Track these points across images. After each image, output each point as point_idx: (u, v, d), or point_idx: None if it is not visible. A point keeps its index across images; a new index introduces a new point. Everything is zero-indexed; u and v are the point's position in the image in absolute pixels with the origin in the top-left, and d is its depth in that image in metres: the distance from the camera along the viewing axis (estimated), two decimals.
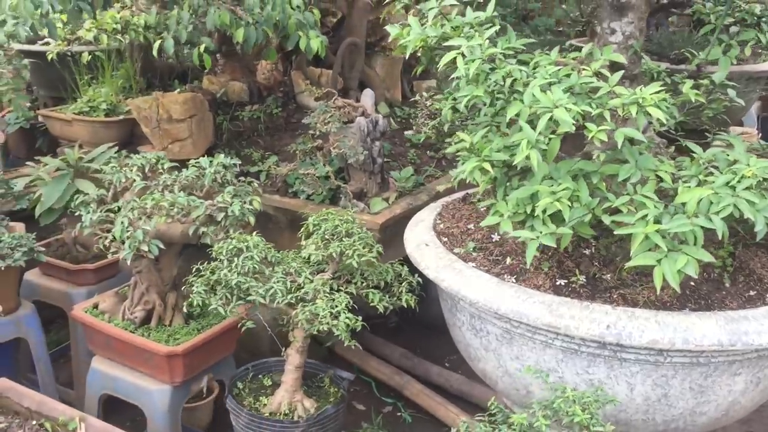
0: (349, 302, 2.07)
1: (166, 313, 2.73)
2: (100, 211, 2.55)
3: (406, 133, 3.53)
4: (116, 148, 3.35)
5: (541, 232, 1.73)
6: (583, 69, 1.81)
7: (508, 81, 1.74)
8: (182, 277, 2.61)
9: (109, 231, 2.53)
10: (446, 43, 1.85)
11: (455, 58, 1.75)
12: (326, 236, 2.20)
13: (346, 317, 2.02)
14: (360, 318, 2.08)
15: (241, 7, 2.77)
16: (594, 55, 1.90)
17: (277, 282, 2.13)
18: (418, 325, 3.94)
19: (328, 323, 2.01)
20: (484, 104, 2.20)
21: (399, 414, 3.41)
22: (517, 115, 1.68)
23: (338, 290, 2.14)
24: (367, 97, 3.10)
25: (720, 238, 1.64)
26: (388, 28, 2.05)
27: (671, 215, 1.66)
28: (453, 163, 3.50)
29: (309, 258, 2.24)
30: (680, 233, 1.63)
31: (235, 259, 2.18)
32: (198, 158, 2.63)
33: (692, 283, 1.95)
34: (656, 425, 2.00)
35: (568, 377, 1.97)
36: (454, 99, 2.26)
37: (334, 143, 2.89)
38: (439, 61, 1.88)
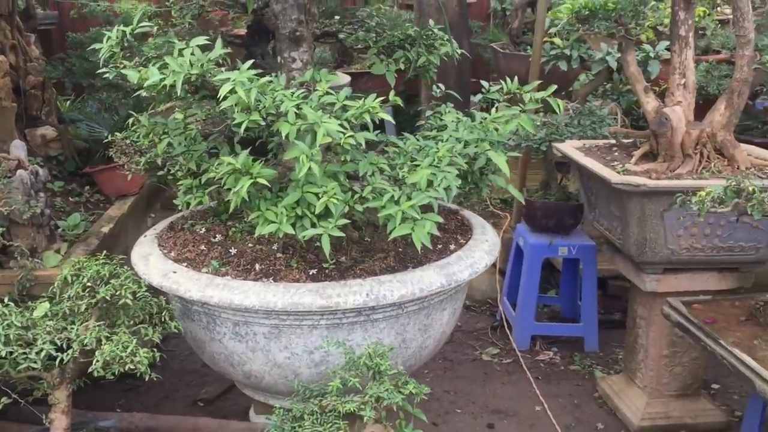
0: (135, 340, 2.11)
1: None
2: None
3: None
4: None
5: (325, 228, 2.09)
6: (316, 90, 2.21)
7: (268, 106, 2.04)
8: None
9: None
10: (218, 77, 2.05)
11: (233, 88, 1.98)
12: (89, 283, 2.17)
13: (144, 353, 2.07)
14: (155, 350, 2.14)
15: None
16: (316, 78, 2.31)
17: (45, 342, 2.04)
18: None
19: (131, 361, 2.03)
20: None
21: None
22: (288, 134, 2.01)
23: (114, 333, 2.14)
24: (18, 148, 2.94)
25: (449, 202, 2.23)
26: (125, 71, 2.13)
27: (407, 194, 2.19)
28: (101, 205, 3.52)
29: (59, 314, 2.18)
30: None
31: None
32: None
33: (399, 249, 2.52)
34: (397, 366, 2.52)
35: (332, 348, 2.37)
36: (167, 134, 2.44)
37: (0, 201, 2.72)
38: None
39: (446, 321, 2.60)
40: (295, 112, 2.02)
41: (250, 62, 2.14)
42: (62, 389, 2.20)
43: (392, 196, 2.14)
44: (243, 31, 3.60)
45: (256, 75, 2.07)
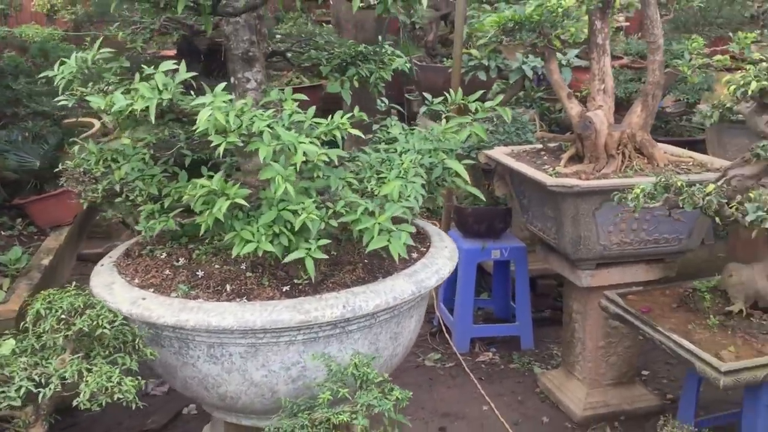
0: (117, 369, 2.07)
1: None
2: None
3: None
4: None
5: (308, 249, 2.13)
6: (284, 109, 2.24)
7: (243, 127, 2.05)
8: None
9: None
10: (194, 102, 2.05)
11: (211, 112, 1.98)
12: (63, 316, 2.11)
13: (130, 381, 2.04)
14: (140, 378, 2.11)
15: None
16: (285, 96, 2.34)
17: (22, 379, 1.98)
18: None
19: (119, 391, 1.99)
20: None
21: None
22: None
23: (93, 364, 2.09)
24: None
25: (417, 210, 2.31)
26: (91, 98, 2.09)
27: (379, 206, 2.25)
28: (36, 237, 3.41)
29: (27, 350, 2.11)
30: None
31: None
32: None
33: (365, 260, 2.58)
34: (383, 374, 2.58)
35: (308, 363, 2.40)
36: (116, 160, 2.42)
37: None
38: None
39: (413, 328, 2.68)
40: (269, 133, 2.05)
41: (222, 85, 2.16)
42: (38, 427, 2.13)
43: (366, 209, 2.20)
44: (169, 52, 3.56)
45: (230, 99, 2.09)
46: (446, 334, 4.65)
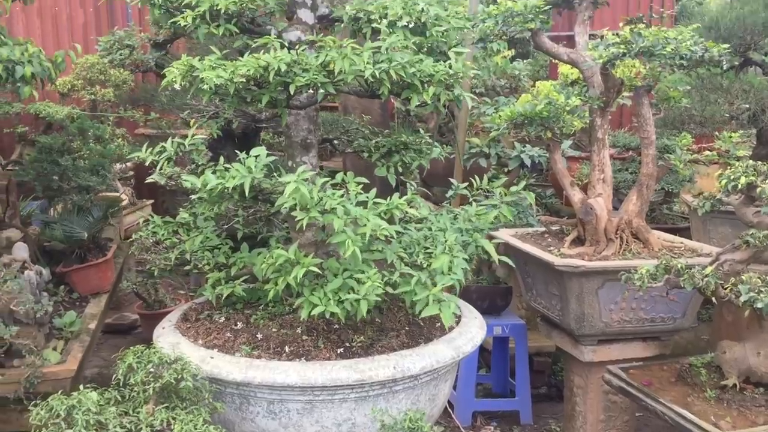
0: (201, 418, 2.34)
1: None
2: None
3: None
4: None
5: (365, 294, 2.46)
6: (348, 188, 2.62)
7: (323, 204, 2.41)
8: None
9: None
10: (281, 180, 2.41)
11: (297, 188, 2.34)
12: (151, 369, 2.38)
13: (215, 428, 2.31)
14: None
15: None
16: (348, 179, 2.70)
17: (115, 427, 2.24)
18: None
19: None
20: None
21: None
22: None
23: (177, 415, 2.36)
24: (21, 249, 3.09)
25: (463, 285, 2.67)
26: (185, 177, 2.44)
27: (429, 277, 2.61)
28: (77, 303, 3.67)
29: (110, 401, 2.37)
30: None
31: (77, 417, 2.19)
32: None
33: (406, 327, 2.92)
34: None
35: (358, 420, 2.70)
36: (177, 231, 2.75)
37: (12, 301, 2.87)
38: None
39: (447, 391, 3.00)
40: (343, 211, 2.41)
41: (303, 167, 2.52)
42: None
43: (419, 280, 2.55)
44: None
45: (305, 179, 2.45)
46: (449, 408, 4.92)
